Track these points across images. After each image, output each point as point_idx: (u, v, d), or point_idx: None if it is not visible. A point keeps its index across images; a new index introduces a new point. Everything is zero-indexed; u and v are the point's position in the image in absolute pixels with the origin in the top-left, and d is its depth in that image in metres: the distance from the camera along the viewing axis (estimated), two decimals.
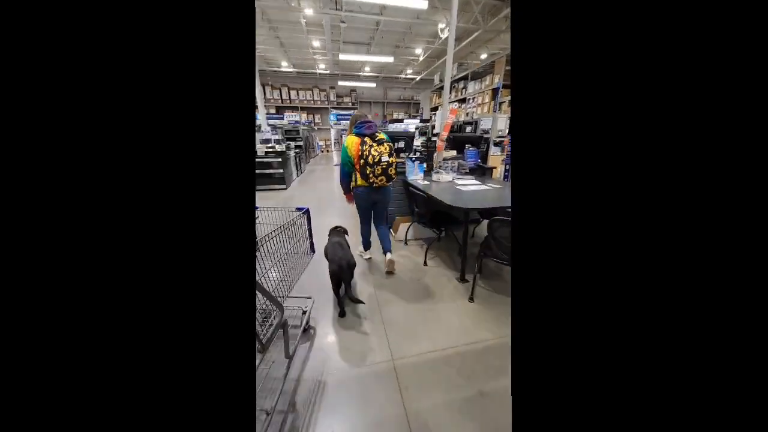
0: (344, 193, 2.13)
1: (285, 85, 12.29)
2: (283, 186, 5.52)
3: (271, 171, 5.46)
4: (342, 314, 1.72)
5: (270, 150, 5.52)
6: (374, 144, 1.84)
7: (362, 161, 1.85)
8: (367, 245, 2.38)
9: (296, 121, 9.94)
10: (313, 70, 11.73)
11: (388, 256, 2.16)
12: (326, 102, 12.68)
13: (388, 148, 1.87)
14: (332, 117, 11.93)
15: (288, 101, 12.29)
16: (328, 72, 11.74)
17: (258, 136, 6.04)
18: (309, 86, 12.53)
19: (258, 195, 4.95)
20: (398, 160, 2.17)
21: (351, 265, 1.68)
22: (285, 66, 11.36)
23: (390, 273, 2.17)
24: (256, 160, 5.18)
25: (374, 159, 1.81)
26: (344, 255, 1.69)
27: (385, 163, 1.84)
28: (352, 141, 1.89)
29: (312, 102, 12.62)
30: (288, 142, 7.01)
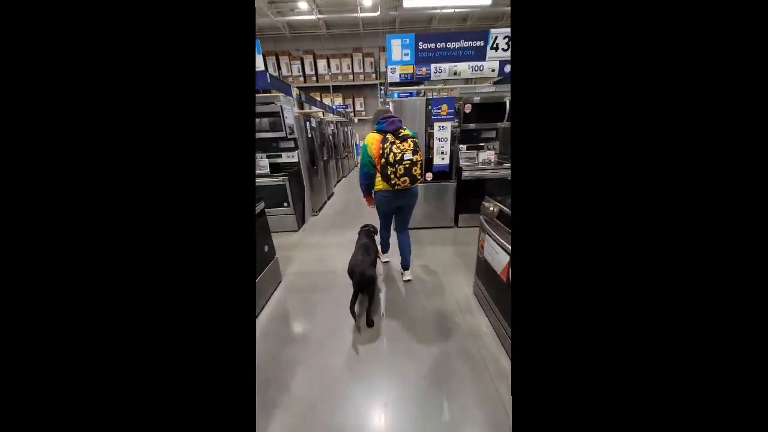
0: (364, 196, 1.92)
1: (310, 51, 7.55)
2: None
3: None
4: (368, 324, 1.57)
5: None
6: (396, 141, 1.61)
7: (383, 160, 1.63)
8: (385, 246, 2.20)
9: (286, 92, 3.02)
10: (354, 14, 6.66)
11: (407, 275, 2.02)
12: (374, 75, 7.57)
13: (412, 145, 1.62)
14: (388, 94, 6.70)
15: (314, 78, 7.54)
16: (377, 14, 6.56)
17: None
18: (347, 51, 7.59)
19: None
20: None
21: (366, 278, 1.53)
22: (305, 11, 6.52)
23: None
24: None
25: (396, 157, 1.59)
26: (362, 260, 1.59)
27: (408, 161, 1.61)
28: (372, 138, 1.69)
29: (351, 77, 7.62)
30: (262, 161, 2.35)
